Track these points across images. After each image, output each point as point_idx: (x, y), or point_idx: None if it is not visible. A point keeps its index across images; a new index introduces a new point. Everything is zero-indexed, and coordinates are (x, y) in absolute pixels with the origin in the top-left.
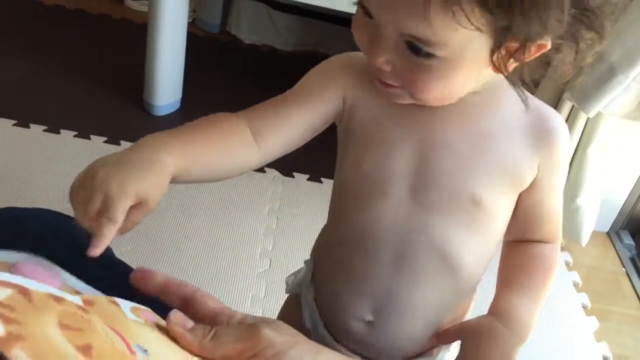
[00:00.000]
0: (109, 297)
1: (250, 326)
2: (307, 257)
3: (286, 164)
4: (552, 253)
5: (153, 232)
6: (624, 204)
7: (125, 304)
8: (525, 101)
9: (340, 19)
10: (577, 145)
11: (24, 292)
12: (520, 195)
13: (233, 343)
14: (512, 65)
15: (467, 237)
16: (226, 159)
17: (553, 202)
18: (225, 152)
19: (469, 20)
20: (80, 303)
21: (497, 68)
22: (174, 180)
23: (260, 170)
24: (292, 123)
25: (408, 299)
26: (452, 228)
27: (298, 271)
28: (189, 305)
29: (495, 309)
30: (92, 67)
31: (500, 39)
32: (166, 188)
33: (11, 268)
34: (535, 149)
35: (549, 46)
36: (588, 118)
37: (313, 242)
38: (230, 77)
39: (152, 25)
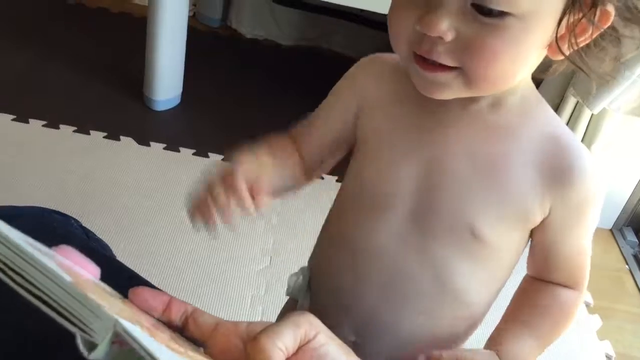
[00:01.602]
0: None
1: (295, 315)
2: (308, 253)
3: None
4: (572, 301)
5: (150, 228)
6: (627, 200)
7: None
8: (552, 124)
9: (342, 13)
10: (582, 141)
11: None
12: (534, 232)
13: (291, 331)
14: (567, 47)
15: (467, 269)
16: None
17: (572, 246)
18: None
19: None
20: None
21: (556, 47)
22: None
23: None
24: (320, 134)
25: (393, 323)
26: (451, 258)
27: (300, 272)
28: (188, 323)
29: (499, 346)
30: (92, 62)
31: None
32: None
33: (53, 248)
34: (549, 188)
35: (612, 17)
36: (592, 115)
37: (314, 238)
38: (231, 72)
39: (152, 19)
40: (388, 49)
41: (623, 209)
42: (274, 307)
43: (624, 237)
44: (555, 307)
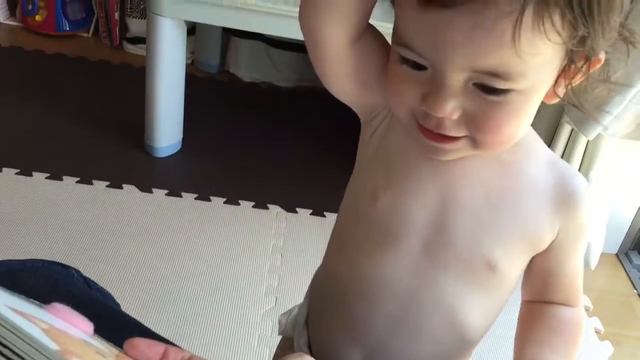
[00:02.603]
0: None
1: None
2: None
3: (289, 200)
4: (576, 317)
5: (156, 273)
6: (631, 224)
7: None
8: (552, 158)
9: None
10: (579, 169)
11: (61, 331)
12: (535, 257)
13: None
14: (562, 91)
15: (477, 300)
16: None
17: (573, 266)
18: None
19: (556, 31)
20: (115, 353)
21: (554, 94)
22: None
23: (263, 207)
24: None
25: (403, 352)
26: (463, 290)
27: (291, 310)
28: None
29: None
30: (93, 113)
31: (571, 55)
32: None
33: (44, 306)
34: (557, 213)
35: (603, 61)
36: (588, 141)
37: None
38: (230, 116)
39: (151, 68)
40: None
41: (627, 233)
42: None
43: (631, 261)
44: (563, 325)
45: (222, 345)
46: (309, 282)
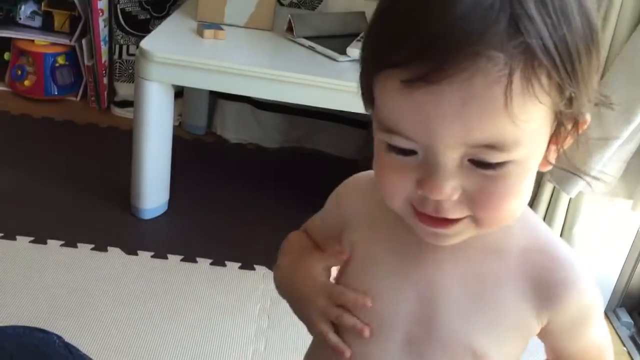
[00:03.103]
0: None
1: None
2: (303, 337)
3: (276, 260)
4: None
5: (139, 338)
6: (617, 281)
7: None
8: (537, 236)
9: (324, 114)
10: (563, 226)
11: None
12: (539, 334)
13: None
14: (554, 155)
15: None
16: None
17: (582, 345)
18: None
19: (545, 93)
20: None
21: (546, 161)
22: None
23: (250, 267)
24: (320, 236)
25: None
26: None
27: None
28: None
29: None
30: (79, 176)
31: (560, 118)
32: None
33: None
34: (542, 302)
35: (588, 122)
36: (570, 198)
37: (305, 341)
38: (217, 177)
39: (138, 131)
40: (368, 145)
41: (614, 290)
42: None
43: (619, 319)
44: None
45: None
46: (298, 344)
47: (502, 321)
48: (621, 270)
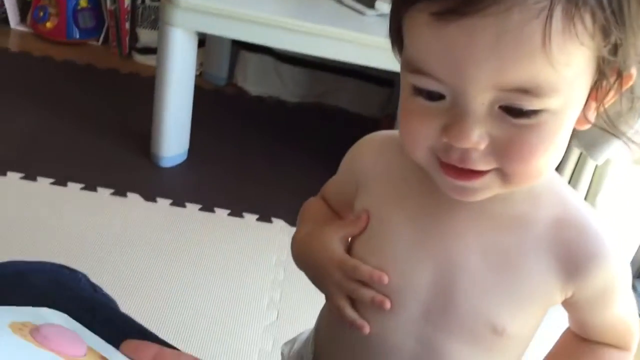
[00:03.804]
0: None
1: None
2: (314, 310)
3: (293, 214)
4: (617, 358)
5: (157, 283)
6: (636, 252)
7: None
8: (567, 209)
9: (347, 70)
10: (587, 194)
11: None
12: (562, 304)
13: None
14: (593, 115)
15: None
16: None
17: (607, 319)
18: None
19: (588, 34)
20: None
21: (584, 118)
22: None
23: (267, 220)
24: (336, 201)
25: None
26: (469, 355)
27: (294, 339)
28: None
29: None
30: (100, 120)
31: (603, 68)
32: None
33: (33, 332)
34: (568, 276)
35: (634, 77)
36: (596, 165)
37: (321, 293)
38: (236, 129)
39: (160, 78)
40: (390, 103)
41: (632, 261)
42: None
43: (635, 290)
44: None
45: (222, 357)
46: (312, 297)
47: (523, 294)
48: None
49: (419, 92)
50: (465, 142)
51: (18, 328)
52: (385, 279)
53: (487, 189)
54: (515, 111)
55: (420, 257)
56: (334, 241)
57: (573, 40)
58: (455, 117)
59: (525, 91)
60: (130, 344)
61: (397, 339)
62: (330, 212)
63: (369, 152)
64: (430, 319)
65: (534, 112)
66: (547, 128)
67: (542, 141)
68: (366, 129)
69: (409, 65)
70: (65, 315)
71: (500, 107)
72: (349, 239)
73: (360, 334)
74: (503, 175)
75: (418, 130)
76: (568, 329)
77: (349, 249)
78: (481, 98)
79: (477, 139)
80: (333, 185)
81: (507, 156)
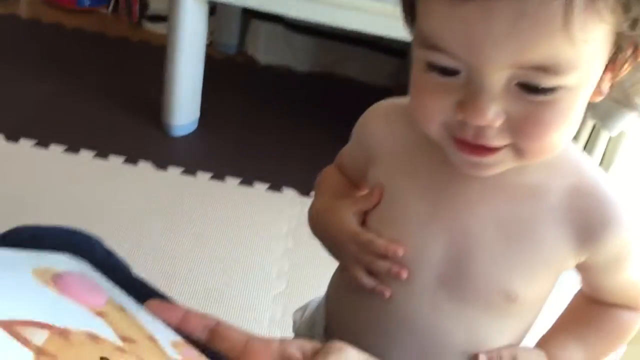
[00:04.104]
0: (148, 333)
1: (339, 350)
2: (324, 277)
3: (303, 184)
4: (630, 321)
5: (168, 253)
6: None
7: (165, 339)
8: (582, 177)
9: (357, 40)
10: (600, 166)
11: (61, 333)
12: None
13: None
14: (607, 84)
15: (499, 328)
16: None
17: (618, 282)
18: None
19: (610, 10)
20: (120, 343)
21: (598, 91)
22: None
23: (278, 190)
24: (349, 170)
25: None
26: (483, 321)
27: (305, 306)
28: (215, 337)
29: (549, 353)
30: (110, 88)
31: (620, 41)
32: None
33: (55, 278)
34: (581, 243)
35: None
36: (610, 137)
37: (330, 262)
38: (247, 98)
39: (172, 46)
40: (402, 73)
41: None
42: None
43: None
44: (611, 326)
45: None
46: (321, 266)
47: (537, 262)
48: None
49: (433, 67)
50: (481, 119)
51: (40, 274)
52: (401, 252)
53: (500, 163)
54: (532, 88)
55: (434, 229)
56: (348, 215)
57: (594, 17)
58: (470, 94)
59: (544, 69)
60: (155, 303)
61: (411, 306)
62: (346, 181)
63: (376, 123)
64: (444, 287)
65: (551, 89)
66: (563, 104)
67: (557, 117)
68: (377, 99)
69: (423, 41)
70: (87, 264)
71: (517, 84)
72: (364, 212)
73: (373, 301)
74: (517, 150)
75: (431, 107)
76: (580, 292)
77: (364, 221)
78: (498, 75)
79: (493, 116)
80: (346, 154)
81: (522, 132)
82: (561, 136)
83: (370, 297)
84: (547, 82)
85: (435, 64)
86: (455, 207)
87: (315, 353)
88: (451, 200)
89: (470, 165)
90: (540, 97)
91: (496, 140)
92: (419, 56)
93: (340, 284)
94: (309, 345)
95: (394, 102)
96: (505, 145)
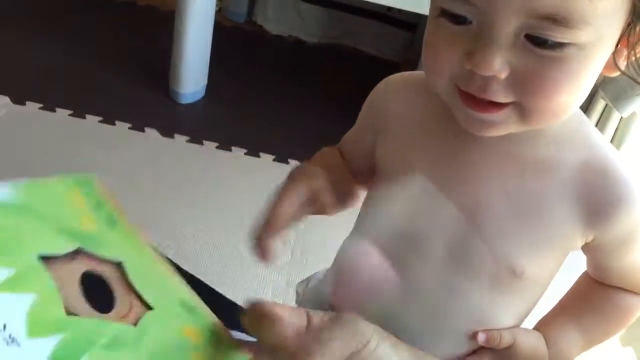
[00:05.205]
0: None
1: (348, 322)
2: (327, 251)
3: (310, 156)
4: (632, 305)
5: (173, 221)
6: None
7: None
8: (594, 154)
9: (367, 11)
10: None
11: None
12: (582, 248)
13: (339, 341)
14: (623, 62)
15: (506, 304)
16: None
17: (625, 264)
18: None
19: None
20: None
21: (614, 64)
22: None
23: (284, 161)
24: (354, 151)
25: (434, 350)
26: (490, 296)
27: (308, 279)
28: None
29: (548, 335)
30: (117, 54)
31: (638, 10)
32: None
33: None
34: (590, 221)
35: None
36: (621, 118)
37: (334, 233)
38: (255, 67)
39: (181, 13)
40: (412, 48)
41: None
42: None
43: None
44: (612, 309)
45: (235, 293)
46: (326, 236)
47: (545, 239)
48: None
49: (445, 14)
50: (487, 69)
51: None
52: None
53: (504, 123)
54: (542, 42)
55: (444, 202)
56: (296, 185)
57: None
58: (479, 43)
59: (555, 20)
60: (279, 314)
61: (420, 280)
62: (340, 160)
63: (389, 95)
64: (452, 260)
65: (560, 45)
66: (572, 64)
67: (564, 77)
68: (385, 72)
69: None
70: None
71: (527, 37)
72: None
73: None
74: (521, 110)
75: (441, 56)
76: (585, 273)
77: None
78: (509, 23)
79: (499, 66)
80: (351, 134)
81: (527, 89)
82: (567, 99)
83: None
84: (558, 35)
85: (448, 9)
86: (465, 180)
87: (326, 321)
88: (462, 173)
89: (475, 123)
90: (550, 52)
91: (501, 95)
92: (434, 3)
93: (352, 251)
94: (320, 313)
95: (403, 75)
96: (510, 104)
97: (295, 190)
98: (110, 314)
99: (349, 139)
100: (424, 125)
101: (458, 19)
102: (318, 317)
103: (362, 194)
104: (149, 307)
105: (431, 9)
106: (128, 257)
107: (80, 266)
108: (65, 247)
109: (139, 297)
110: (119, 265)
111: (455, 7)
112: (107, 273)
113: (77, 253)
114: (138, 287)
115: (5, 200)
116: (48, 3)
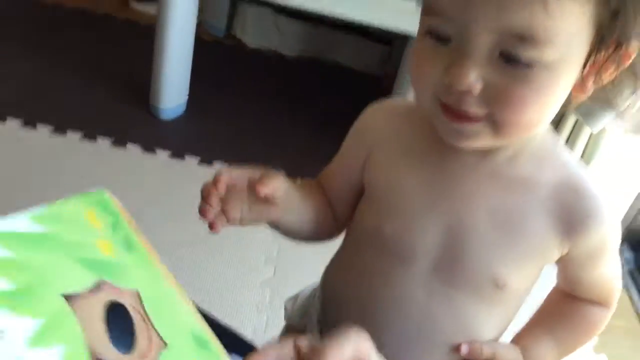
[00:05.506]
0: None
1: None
2: (311, 266)
3: (292, 169)
4: (599, 316)
5: (155, 238)
6: (623, 217)
7: None
8: (569, 174)
9: (345, 26)
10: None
11: None
12: (556, 262)
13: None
14: (591, 86)
15: (488, 314)
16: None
17: (595, 276)
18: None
19: None
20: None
21: (582, 85)
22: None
23: None
24: (339, 182)
25: None
26: (473, 305)
27: (296, 296)
28: None
29: (524, 347)
30: (97, 69)
31: (603, 34)
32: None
33: None
34: (566, 234)
35: (634, 54)
36: (591, 134)
37: (319, 249)
38: (235, 82)
39: (161, 28)
40: (389, 61)
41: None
42: (279, 316)
43: (621, 253)
44: (581, 321)
45: (220, 309)
46: (310, 253)
47: (525, 251)
48: (629, 207)
49: (430, 34)
50: (462, 82)
51: None
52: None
53: (479, 134)
54: (514, 60)
55: (432, 218)
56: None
57: None
58: (457, 59)
59: (523, 37)
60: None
61: (407, 291)
62: (315, 184)
63: (377, 120)
64: (438, 273)
65: (529, 64)
66: (539, 82)
67: (532, 94)
68: (364, 86)
69: (424, 7)
70: None
71: (501, 55)
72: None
73: (372, 284)
74: (494, 123)
75: (425, 70)
76: (555, 288)
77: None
78: (483, 39)
79: (473, 81)
80: (333, 166)
81: (498, 103)
82: (535, 115)
83: (370, 279)
84: (525, 52)
85: (432, 28)
86: (452, 198)
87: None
88: (448, 192)
89: (453, 134)
90: (520, 70)
91: (475, 107)
92: (421, 23)
93: (340, 266)
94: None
95: (391, 101)
96: (484, 116)
97: (250, 171)
98: (134, 355)
99: (330, 169)
100: (410, 148)
101: (440, 37)
102: (306, 344)
103: (327, 216)
104: (164, 341)
105: (419, 28)
106: (144, 286)
107: (104, 296)
108: (87, 280)
109: (155, 330)
110: (137, 295)
111: (437, 23)
112: (128, 303)
113: (98, 285)
114: (154, 319)
115: (27, 231)
116: (29, 19)
